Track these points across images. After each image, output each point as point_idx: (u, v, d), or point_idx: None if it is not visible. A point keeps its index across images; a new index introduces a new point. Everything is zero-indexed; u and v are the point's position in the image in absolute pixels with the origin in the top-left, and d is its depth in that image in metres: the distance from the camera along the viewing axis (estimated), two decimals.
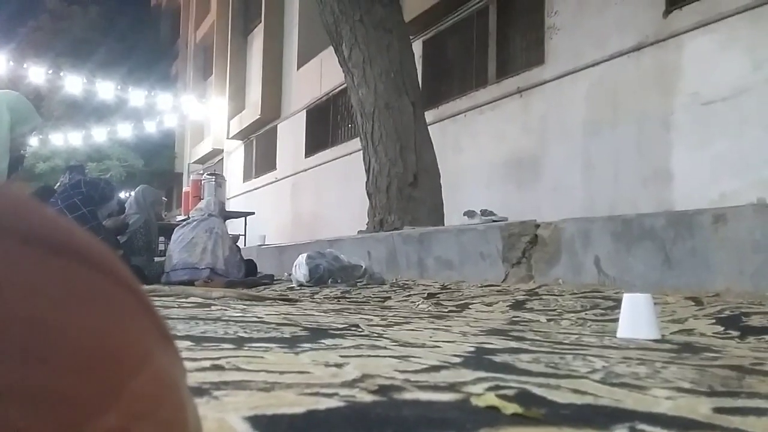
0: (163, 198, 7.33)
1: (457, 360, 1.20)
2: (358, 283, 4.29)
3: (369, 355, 1.23)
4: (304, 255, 4.62)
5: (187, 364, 0.99)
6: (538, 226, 3.61)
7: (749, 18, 4.60)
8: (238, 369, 0.99)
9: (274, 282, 5.25)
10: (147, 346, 0.30)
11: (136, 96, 16.30)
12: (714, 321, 2.09)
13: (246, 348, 1.28)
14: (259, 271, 5.62)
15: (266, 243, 8.68)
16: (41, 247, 0.27)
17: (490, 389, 0.89)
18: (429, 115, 6.54)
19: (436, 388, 0.89)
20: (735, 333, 1.92)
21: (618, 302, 2.03)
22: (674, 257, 2.79)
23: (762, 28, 4.52)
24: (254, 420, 0.64)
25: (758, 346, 1.71)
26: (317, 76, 11.70)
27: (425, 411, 0.72)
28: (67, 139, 18.55)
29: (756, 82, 4.51)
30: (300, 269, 4.53)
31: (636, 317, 1.85)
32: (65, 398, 0.24)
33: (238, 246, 5.59)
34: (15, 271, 0.26)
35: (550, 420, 0.70)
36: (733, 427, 0.70)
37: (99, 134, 18.55)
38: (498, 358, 1.25)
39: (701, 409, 0.80)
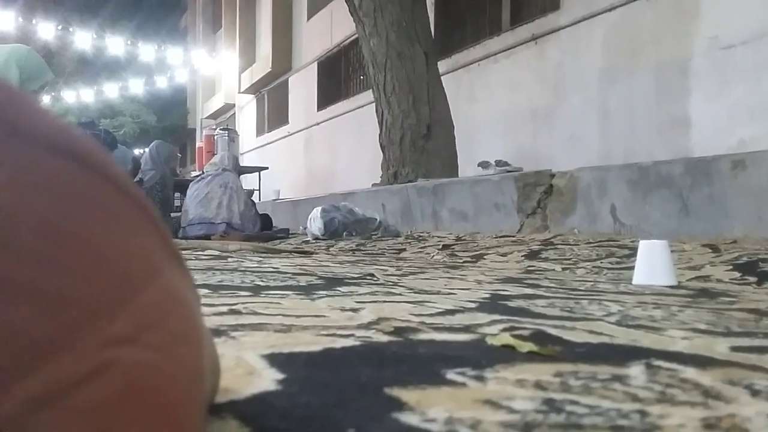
0: (178, 153, 7.33)
1: (473, 305, 1.21)
2: (373, 236, 4.31)
3: (384, 301, 1.24)
4: (319, 208, 4.63)
5: (205, 310, 1.00)
6: (553, 175, 3.58)
7: None
8: (255, 313, 1.00)
9: (290, 236, 5.29)
10: (157, 260, 0.30)
11: (147, 51, 16.18)
12: (731, 267, 2.08)
13: (263, 295, 1.29)
14: (274, 225, 5.66)
15: (280, 197, 8.71)
16: (47, 148, 0.27)
17: (505, 330, 0.89)
18: (442, 65, 6.44)
19: (451, 329, 0.89)
20: (752, 279, 1.91)
21: (634, 251, 2.02)
22: (692, 205, 2.76)
23: None
24: (271, 357, 0.65)
25: None
26: (328, 27, 11.52)
27: (441, 349, 0.73)
28: (79, 95, 18.55)
29: None
30: (315, 223, 4.55)
31: (652, 264, 1.84)
32: (73, 301, 0.24)
33: (253, 200, 5.61)
34: (26, 172, 0.25)
35: (565, 357, 0.70)
36: (750, 364, 0.70)
37: (111, 90, 18.53)
38: (513, 303, 1.26)
39: (718, 347, 0.80)
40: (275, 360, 0.63)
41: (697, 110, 4.97)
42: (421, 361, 0.66)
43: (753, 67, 4.52)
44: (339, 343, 0.74)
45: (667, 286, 1.76)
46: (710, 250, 2.38)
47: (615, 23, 5.73)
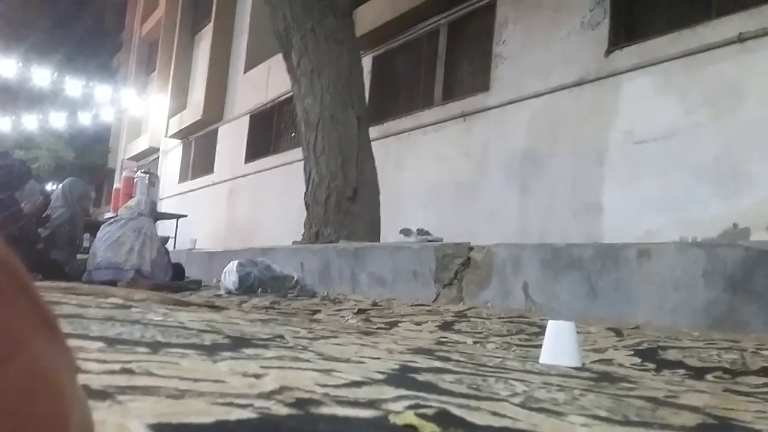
0: (92, 193, 7.05)
1: (381, 377, 1.19)
2: (289, 295, 4.23)
3: (290, 367, 1.20)
4: (235, 262, 4.52)
5: (95, 367, 0.94)
6: (471, 248, 3.64)
7: (683, 64, 4.82)
8: (150, 374, 0.94)
9: (202, 288, 5.12)
10: (21, 332, 0.27)
11: (73, 85, 15.72)
12: (632, 353, 2.15)
13: (162, 353, 1.22)
14: (186, 275, 5.47)
15: (197, 247, 8.48)
16: None
17: (410, 407, 0.87)
18: (373, 132, 6.56)
19: (355, 404, 0.86)
20: (651, 365, 1.98)
21: (543, 329, 2.06)
22: (599, 288, 2.86)
23: (694, 75, 4.75)
24: (158, 428, 0.60)
25: (672, 380, 1.76)
26: (264, 82, 11.58)
27: (341, 427, 0.70)
28: None
29: (686, 126, 4.72)
30: (230, 276, 4.43)
31: (559, 344, 1.88)
32: None
33: (166, 248, 5.43)
34: None
35: None
36: None
37: (30, 121, 17.79)
38: (421, 377, 1.24)
39: None
40: (161, 431, 0.59)
41: (609, 198, 5.23)
42: None
43: (662, 162, 4.83)
44: (235, 415, 0.70)
45: (571, 368, 1.79)
46: (614, 334, 2.46)
47: (540, 109, 6.03)
